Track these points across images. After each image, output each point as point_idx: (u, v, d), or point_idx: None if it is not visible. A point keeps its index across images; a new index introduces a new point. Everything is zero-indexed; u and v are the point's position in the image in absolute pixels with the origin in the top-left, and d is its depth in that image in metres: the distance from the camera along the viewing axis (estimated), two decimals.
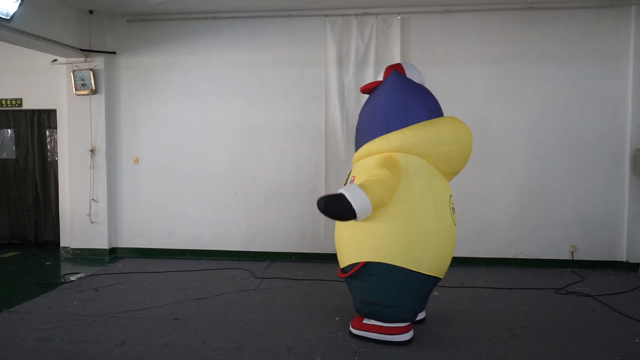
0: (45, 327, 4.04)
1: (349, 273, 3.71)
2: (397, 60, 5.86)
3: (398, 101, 3.77)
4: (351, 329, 3.86)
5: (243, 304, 4.60)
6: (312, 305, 4.57)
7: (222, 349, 3.62)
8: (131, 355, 3.53)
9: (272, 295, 4.87)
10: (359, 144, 4.00)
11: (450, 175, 3.85)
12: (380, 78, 4.08)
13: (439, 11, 5.94)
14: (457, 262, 5.99)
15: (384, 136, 3.71)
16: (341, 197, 3.41)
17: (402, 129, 3.68)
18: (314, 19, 6.11)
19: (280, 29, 6.22)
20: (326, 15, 6.04)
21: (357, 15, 5.99)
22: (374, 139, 3.76)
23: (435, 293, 4.92)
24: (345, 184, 4.04)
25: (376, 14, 5.97)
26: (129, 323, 4.12)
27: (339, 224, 3.87)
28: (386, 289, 3.60)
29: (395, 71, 3.97)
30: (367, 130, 3.90)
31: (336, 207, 3.47)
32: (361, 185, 3.44)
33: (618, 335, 3.87)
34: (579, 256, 5.91)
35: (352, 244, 3.72)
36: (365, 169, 3.73)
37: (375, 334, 3.71)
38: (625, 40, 5.75)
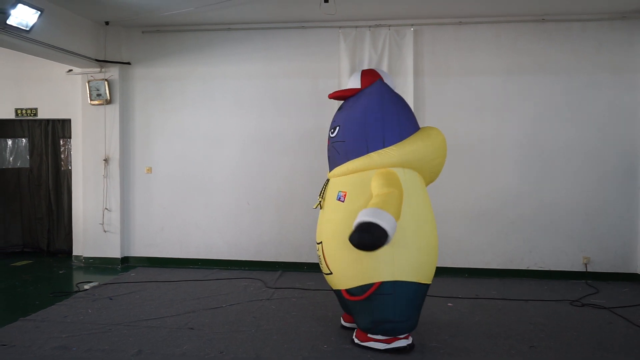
0: (62, 335, 4.05)
1: (365, 295, 3.60)
2: (410, 72, 5.91)
3: (390, 113, 3.73)
4: (355, 339, 3.86)
5: (257, 314, 4.60)
6: (327, 315, 4.56)
7: (239, 359, 3.62)
8: None
9: (286, 306, 4.87)
10: (342, 156, 3.83)
11: (428, 184, 3.98)
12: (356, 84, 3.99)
13: (452, 23, 5.98)
14: (470, 273, 6.01)
15: (382, 151, 3.64)
16: (371, 225, 3.24)
17: (398, 144, 3.66)
18: (327, 30, 6.17)
19: (294, 40, 6.27)
20: (339, 27, 6.08)
21: (370, 26, 6.03)
22: (370, 154, 3.66)
23: (450, 304, 4.91)
24: (320, 194, 4.06)
25: (389, 26, 6.01)
26: (145, 332, 4.13)
27: (334, 247, 3.75)
28: (402, 305, 3.62)
29: (380, 80, 3.93)
30: (356, 143, 3.75)
31: (371, 237, 3.25)
32: (380, 207, 3.32)
33: (637, 348, 3.83)
34: (593, 268, 5.88)
35: (359, 266, 3.58)
36: (360, 185, 3.65)
37: (379, 343, 3.72)
38: (638, 51, 5.76)
